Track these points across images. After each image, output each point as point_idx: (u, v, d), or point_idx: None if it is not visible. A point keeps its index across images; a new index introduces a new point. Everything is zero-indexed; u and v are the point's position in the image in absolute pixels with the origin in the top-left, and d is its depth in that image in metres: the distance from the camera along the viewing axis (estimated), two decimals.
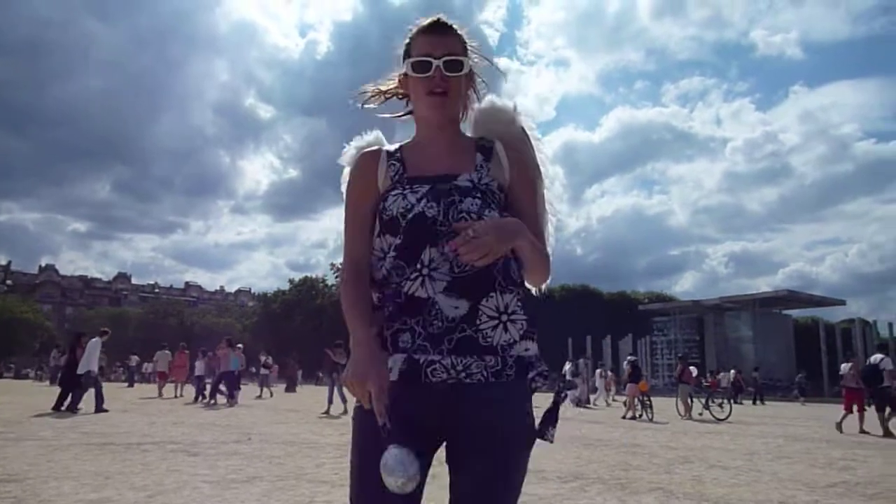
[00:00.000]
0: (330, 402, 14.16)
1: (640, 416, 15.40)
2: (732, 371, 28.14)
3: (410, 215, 1.31)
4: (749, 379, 30.68)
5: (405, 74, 1.42)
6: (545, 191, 1.51)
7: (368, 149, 1.48)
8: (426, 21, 1.39)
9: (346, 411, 13.48)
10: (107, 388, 18.66)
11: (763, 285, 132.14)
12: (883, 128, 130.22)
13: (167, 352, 21.65)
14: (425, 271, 1.28)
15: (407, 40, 1.41)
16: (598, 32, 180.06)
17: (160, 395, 20.08)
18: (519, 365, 1.31)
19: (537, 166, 1.49)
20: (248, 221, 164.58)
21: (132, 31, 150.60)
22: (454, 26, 1.40)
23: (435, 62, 1.35)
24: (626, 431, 11.70)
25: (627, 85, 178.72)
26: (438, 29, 1.38)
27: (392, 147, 1.46)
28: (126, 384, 29.38)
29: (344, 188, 1.48)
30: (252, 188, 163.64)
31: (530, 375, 1.33)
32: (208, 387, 17.60)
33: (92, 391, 12.53)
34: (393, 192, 1.36)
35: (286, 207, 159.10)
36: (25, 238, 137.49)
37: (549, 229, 1.51)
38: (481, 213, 1.31)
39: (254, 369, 25.34)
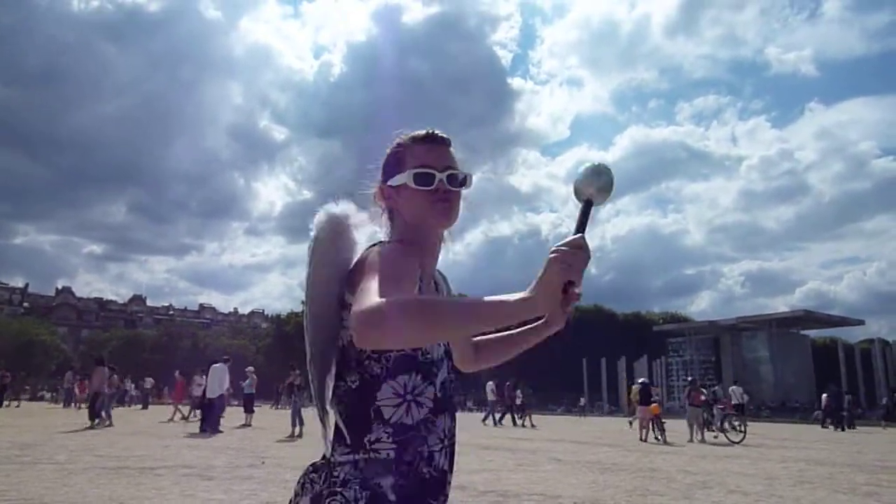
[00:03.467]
0: (294, 424, 14.24)
1: (654, 439, 15.31)
2: (736, 388, 24.58)
3: (439, 374, 1.25)
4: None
5: (389, 186, 1.29)
6: None
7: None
8: (420, 131, 1.30)
9: (300, 434, 13.54)
10: (122, 411, 18.71)
11: (780, 305, 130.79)
12: None
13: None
14: (447, 441, 1.24)
15: (393, 149, 1.31)
16: (612, 51, 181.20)
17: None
18: None
19: None
20: (263, 243, 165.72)
21: (147, 56, 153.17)
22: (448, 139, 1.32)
23: (438, 175, 1.24)
24: (642, 456, 11.53)
25: (641, 104, 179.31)
26: (437, 139, 1.29)
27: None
28: (140, 406, 29.45)
29: (326, 255, 1.27)
30: (266, 210, 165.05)
31: None
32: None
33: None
34: None
35: (300, 229, 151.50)
36: (42, 260, 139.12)
37: None
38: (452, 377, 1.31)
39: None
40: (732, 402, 22.58)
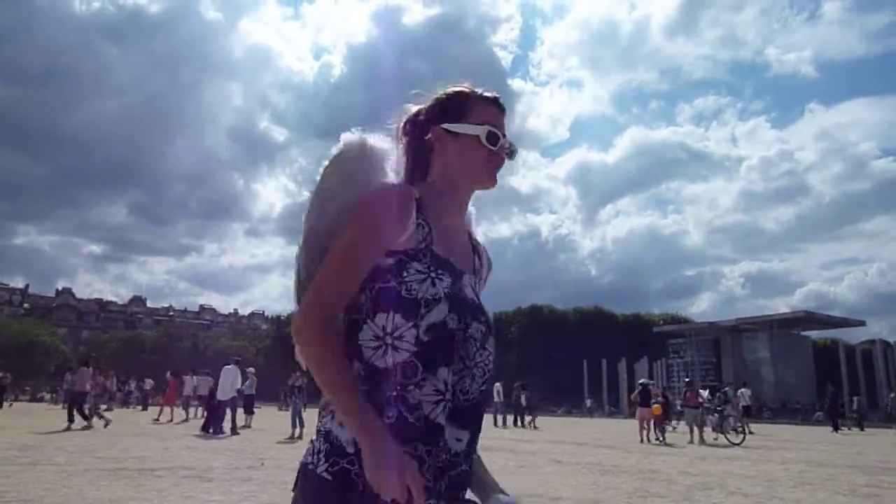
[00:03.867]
0: (293, 425, 14.28)
1: (655, 440, 15.45)
2: (745, 390, 24.90)
3: (428, 316, 1.14)
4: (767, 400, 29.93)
5: (445, 129, 1.28)
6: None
7: (400, 183, 1.28)
8: (488, 92, 1.31)
9: (300, 436, 13.51)
10: (122, 412, 18.71)
11: (781, 306, 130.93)
12: None
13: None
14: (448, 395, 1.14)
15: (455, 95, 1.30)
16: (612, 53, 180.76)
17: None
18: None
19: None
20: (263, 244, 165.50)
21: (148, 56, 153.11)
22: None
23: (502, 140, 1.28)
24: (642, 457, 11.52)
25: (641, 105, 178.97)
26: (502, 107, 1.32)
27: (416, 191, 1.24)
28: (140, 408, 29.50)
29: (342, 187, 1.26)
30: (266, 211, 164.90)
31: None
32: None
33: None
34: (417, 266, 1.17)
35: (300, 230, 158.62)
36: (42, 261, 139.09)
37: None
38: (484, 343, 1.21)
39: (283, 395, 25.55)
40: (741, 405, 22.71)
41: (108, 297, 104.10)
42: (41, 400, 42.04)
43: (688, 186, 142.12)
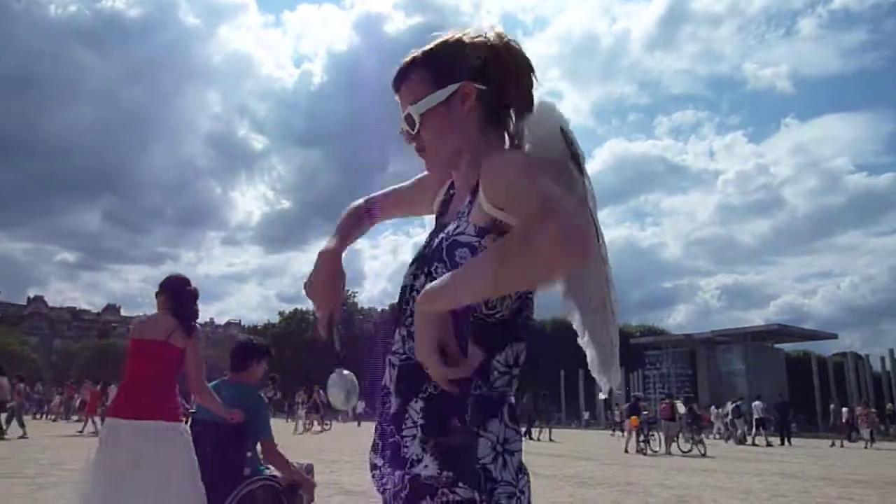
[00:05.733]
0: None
1: (638, 450, 16.23)
2: (759, 403, 24.85)
3: (404, 279, 1.18)
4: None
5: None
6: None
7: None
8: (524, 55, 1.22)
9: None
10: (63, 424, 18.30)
11: (756, 318, 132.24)
12: (874, 161, 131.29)
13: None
14: (389, 356, 1.13)
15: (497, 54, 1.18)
16: (592, 65, 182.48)
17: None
18: (411, 488, 1.04)
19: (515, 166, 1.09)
20: (240, 252, 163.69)
21: (125, 63, 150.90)
22: None
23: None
24: (619, 469, 11.58)
25: (621, 117, 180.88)
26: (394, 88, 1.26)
27: None
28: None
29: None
30: (244, 219, 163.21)
31: None
32: None
33: None
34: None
35: (277, 239, 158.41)
36: (14, 268, 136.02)
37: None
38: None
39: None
40: (755, 417, 23.36)
41: (82, 305, 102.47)
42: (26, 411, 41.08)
43: (666, 199, 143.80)
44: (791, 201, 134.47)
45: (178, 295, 3.52)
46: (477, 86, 1.16)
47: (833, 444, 23.09)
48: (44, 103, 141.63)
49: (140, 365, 3.41)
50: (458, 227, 1.12)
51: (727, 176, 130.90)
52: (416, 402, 1.07)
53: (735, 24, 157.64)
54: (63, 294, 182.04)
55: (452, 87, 1.15)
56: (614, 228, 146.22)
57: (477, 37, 1.18)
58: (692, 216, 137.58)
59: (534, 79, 1.22)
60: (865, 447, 21.45)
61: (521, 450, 1.06)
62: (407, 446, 1.06)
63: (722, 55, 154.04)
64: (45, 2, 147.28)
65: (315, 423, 23.59)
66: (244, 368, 3.69)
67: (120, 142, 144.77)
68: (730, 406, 25.67)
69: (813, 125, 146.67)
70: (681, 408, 18.56)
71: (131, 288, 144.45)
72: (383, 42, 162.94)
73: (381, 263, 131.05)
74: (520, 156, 1.13)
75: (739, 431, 23.67)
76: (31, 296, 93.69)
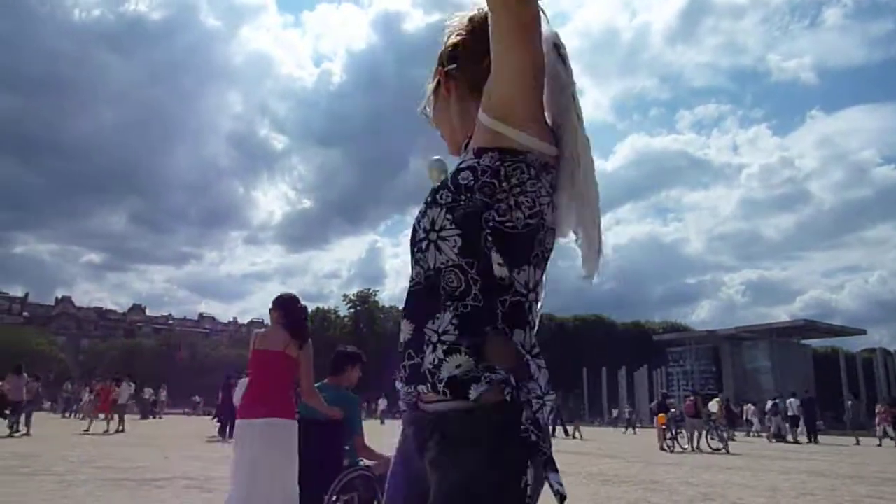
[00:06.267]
0: None
1: (664, 447, 16.34)
2: (793, 400, 24.88)
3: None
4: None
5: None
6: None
7: None
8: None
9: None
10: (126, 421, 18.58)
11: (781, 314, 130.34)
12: None
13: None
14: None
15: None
16: (612, 60, 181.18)
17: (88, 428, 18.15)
18: (452, 386, 1.03)
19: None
20: (262, 252, 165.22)
21: (148, 65, 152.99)
22: None
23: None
24: (644, 467, 11.49)
25: (642, 112, 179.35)
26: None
27: None
28: (139, 417, 29.36)
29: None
30: (265, 219, 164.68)
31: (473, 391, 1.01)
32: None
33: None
34: None
35: (299, 238, 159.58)
36: (41, 270, 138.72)
37: None
38: (428, 238, 1.12)
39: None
40: (789, 414, 23.39)
41: (108, 305, 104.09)
42: (40, 409, 41.96)
43: (688, 194, 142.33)
44: (817, 195, 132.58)
45: (291, 312, 4.13)
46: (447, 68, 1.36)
47: (858, 443, 22.69)
48: (68, 106, 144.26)
49: (262, 372, 3.95)
50: (461, 160, 1.17)
51: (751, 170, 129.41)
52: (433, 322, 1.07)
53: (758, 15, 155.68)
54: (90, 294, 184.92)
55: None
56: (636, 224, 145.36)
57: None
58: (715, 211, 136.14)
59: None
60: (879, 444, 21.09)
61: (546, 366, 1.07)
62: (426, 359, 1.06)
63: (745, 47, 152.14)
64: (70, 5, 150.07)
65: None
66: (341, 372, 4.29)
67: (143, 143, 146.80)
68: (769, 403, 25.70)
69: (839, 117, 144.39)
70: (714, 406, 18.53)
71: (156, 288, 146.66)
72: (402, 40, 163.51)
73: (402, 262, 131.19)
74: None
75: (775, 428, 24.12)
76: (59, 296, 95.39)
